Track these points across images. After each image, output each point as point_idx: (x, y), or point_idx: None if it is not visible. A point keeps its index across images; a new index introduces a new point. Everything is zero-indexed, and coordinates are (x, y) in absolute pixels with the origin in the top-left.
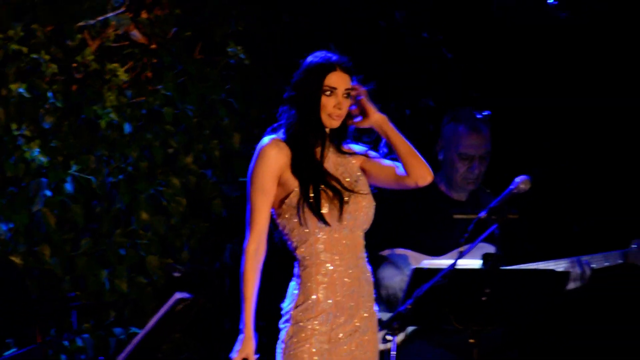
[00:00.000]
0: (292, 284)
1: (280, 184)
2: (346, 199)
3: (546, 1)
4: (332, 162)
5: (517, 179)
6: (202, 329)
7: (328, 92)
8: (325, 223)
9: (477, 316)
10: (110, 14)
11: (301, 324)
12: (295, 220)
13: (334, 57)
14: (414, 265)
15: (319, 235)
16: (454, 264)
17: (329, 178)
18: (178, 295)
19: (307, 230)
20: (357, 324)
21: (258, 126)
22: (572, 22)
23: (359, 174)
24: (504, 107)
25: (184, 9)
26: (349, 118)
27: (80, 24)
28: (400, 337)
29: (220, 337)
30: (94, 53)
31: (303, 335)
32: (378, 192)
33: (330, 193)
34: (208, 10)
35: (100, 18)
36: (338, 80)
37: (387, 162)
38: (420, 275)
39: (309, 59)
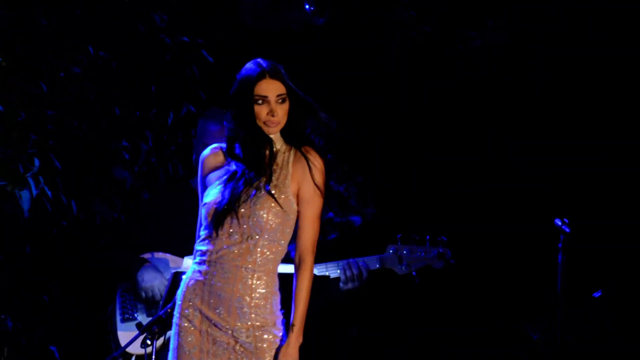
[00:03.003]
0: None
1: None
2: (241, 208)
3: (304, 7)
4: (278, 161)
5: None
6: None
7: (260, 101)
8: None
9: None
10: None
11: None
12: None
13: (263, 64)
14: (174, 269)
15: (201, 240)
16: None
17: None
18: None
19: (199, 236)
20: (234, 335)
21: (15, 128)
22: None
23: (287, 181)
24: None
25: None
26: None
27: None
28: (160, 342)
29: None
30: None
31: (173, 331)
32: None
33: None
34: None
35: None
36: (268, 87)
37: (305, 218)
38: (180, 278)
39: (241, 71)
